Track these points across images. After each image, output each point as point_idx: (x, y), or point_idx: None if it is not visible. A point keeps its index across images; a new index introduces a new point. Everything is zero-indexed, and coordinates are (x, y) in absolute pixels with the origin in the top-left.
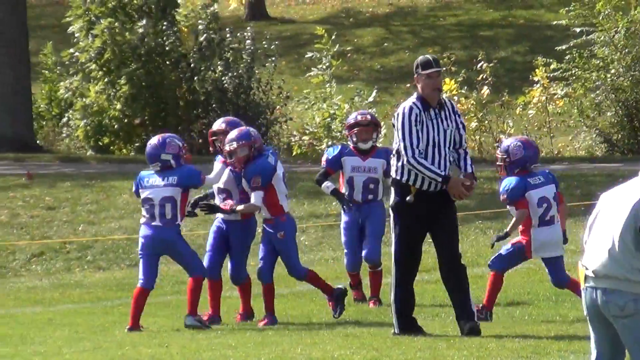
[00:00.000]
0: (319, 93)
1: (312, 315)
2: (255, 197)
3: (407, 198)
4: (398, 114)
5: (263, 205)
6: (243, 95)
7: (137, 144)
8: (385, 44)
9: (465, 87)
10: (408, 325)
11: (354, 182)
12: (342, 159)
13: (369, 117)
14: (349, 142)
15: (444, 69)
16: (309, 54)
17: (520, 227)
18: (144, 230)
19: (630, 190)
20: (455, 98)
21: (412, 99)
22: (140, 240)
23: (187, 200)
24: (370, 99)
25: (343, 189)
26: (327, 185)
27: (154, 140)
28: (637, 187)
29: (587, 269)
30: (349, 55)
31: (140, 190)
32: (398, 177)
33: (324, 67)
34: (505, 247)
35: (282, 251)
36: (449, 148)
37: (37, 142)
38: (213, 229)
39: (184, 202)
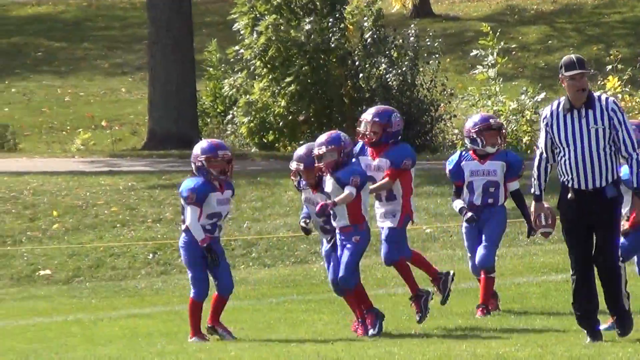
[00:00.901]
0: (484, 90)
1: (476, 312)
2: (349, 189)
3: (569, 196)
4: None
5: (344, 213)
6: (407, 92)
7: (301, 141)
8: (550, 42)
9: (629, 86)
10: (584, 324)
11: (474, 186)
12: (462, 165)
13: (499, 121)
14: (468, 145)
15: (609, 67)
16: (474, 52)
17: None
18: None
19: None
20: (619, 96)
21: (557, 100)
22: None
23: (200, 213)
24: (539, 98)
25: (463, 194)
26: (455, 204)
27: None
28: None
29: None
30: (513, 52)
31: None
32: (559, 176)
33: (489, 64)
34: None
35: (347, 255)
36: (599, 148)
37: (201, 138)
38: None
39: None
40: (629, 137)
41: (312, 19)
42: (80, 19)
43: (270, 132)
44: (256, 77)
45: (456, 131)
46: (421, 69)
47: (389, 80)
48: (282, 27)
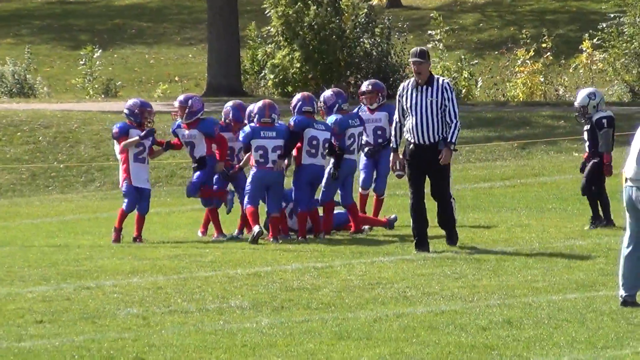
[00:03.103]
0: (435, 57)
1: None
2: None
3: (410, 147)
4: None
5: None
6: (384, 59)
7: (311, 92)
8: (481, 24)
9: (535, 55)
10: (421, 243)
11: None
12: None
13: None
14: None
15: (521, 42)
16: (429, 31)
17: None
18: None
19: None
20: (528, 62)
21: (410, 79)
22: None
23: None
24: (473, 62)
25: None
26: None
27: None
28: None
29: (625, 173)
30: (455, 31)
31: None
32: (406, 134)
33: (439, 39)
34: None
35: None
36: (437, 116)
37: (244, 89)
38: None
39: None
40: (453, 109)
41: (316, 7)
42: (161, 7)
43: (289, 85)
44: (280, 47)
45: None
46: (393, 43)
47: (371, 50)
48: (293, 15)
